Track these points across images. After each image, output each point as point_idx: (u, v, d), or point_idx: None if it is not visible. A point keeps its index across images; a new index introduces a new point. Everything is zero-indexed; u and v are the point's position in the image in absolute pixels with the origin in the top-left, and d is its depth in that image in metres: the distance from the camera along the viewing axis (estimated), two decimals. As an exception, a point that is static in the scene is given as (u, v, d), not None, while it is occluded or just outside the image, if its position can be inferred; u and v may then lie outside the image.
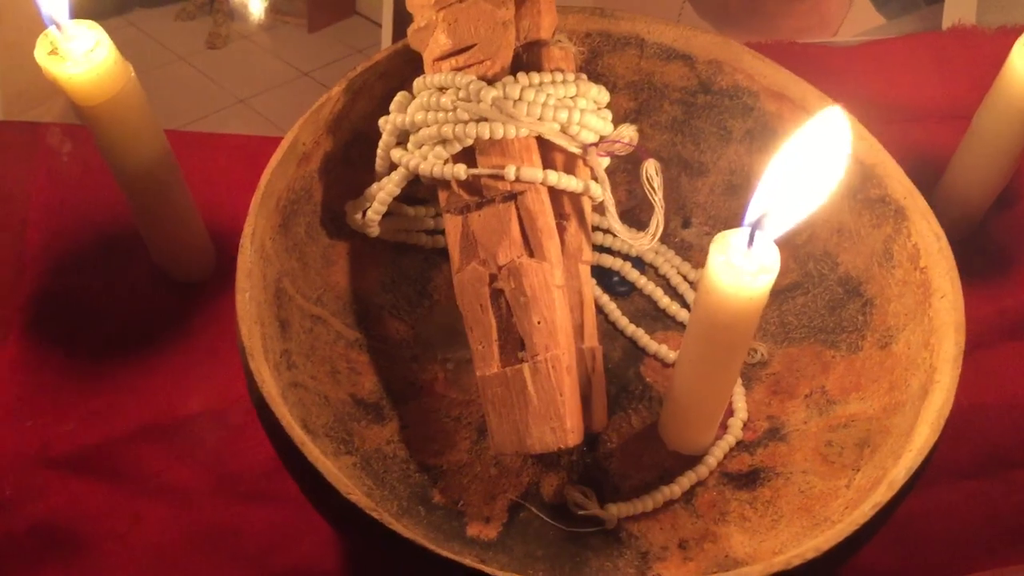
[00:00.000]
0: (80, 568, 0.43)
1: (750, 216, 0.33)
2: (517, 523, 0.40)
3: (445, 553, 0.32)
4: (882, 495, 0.33)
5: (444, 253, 0.45)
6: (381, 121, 0.41)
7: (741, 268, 0.33)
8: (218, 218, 0.52)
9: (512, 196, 0.38)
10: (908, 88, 0.58)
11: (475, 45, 0.39)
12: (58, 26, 0.40)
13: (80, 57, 0.41)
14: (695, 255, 0.48)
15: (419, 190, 0.44)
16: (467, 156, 0.39)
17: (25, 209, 0.53)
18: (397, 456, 0.41)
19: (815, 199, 0.33)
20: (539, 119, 0.38)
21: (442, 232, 0.46)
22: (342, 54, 0.61)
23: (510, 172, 0.38)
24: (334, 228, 0.43)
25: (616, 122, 0.41)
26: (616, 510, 0.40)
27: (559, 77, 0.39)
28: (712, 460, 0.41)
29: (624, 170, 0.47)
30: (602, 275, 0.47)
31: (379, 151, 0.41)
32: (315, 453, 0.34)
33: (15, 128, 0.57)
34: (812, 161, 0.33)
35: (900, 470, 0.34)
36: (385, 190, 0.41)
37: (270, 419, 0.35)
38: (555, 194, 0.40)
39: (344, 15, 0.62)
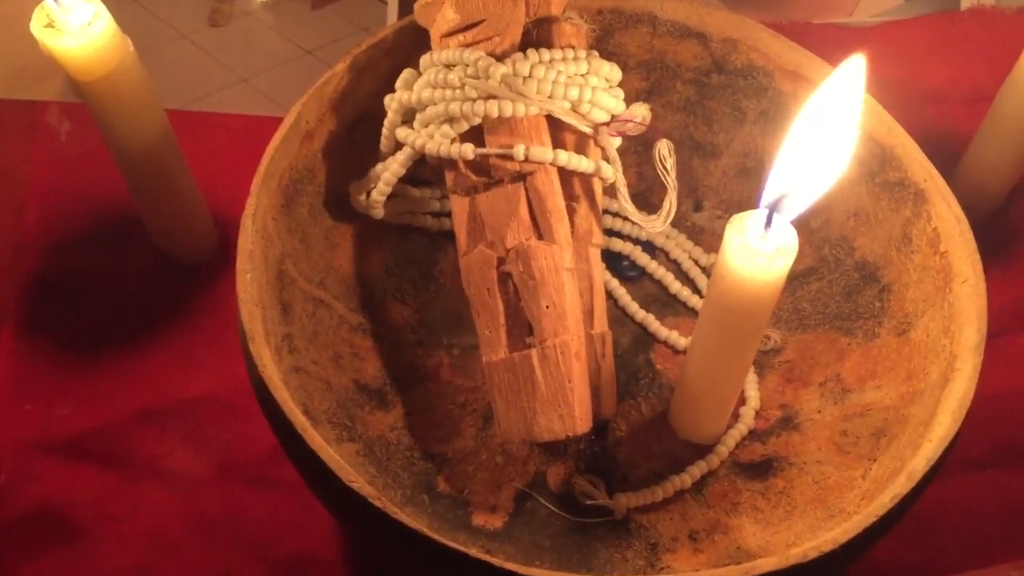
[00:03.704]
0: (78, 553, 0.43)
1: (767, 197, 0.32)
2: (523, 512, 0.39)
3: (450, 543, 0.31)
4: (902, 486, 0.32)
5: (450, 236, 0.44)
6: (387, 99, 0.40)
7: (758, 251, 0.32)
8: (220, 199, 0.51)
9: (521, 176, 0.37)
10: (926, 70, 0.57)
11: (484, 21, 0.38)
12: (55, -2, 0.40)
13: (77, 30, 0.39)
14: (707, 239, 0.46)
15: (424, 171, 0.43)
16: (475, 135, 0.38)
17: (23, 190, 0.52)
18: (401, 443, 0.40)
19: (833, 172, 0.32)
20: (549, 97, 0.37)
21: (448, 214, 0.45)
22: (347, 32, 0.60)
23: (519, 152, 0.37)
24: (337, 209, 0.42)
25: (627, 103, 0.40)
26: (625, 500, 0.39)
27: (570, 54, 0.38)
28: (723, 449, 0.40)
29: (635, 152, 0.46)
30: (611, 259, 0.46)
31: (384, 130, 0.40)
32: (317, 440, 0.33)
33: (13, 107, 0.56)
34: (827, 131, 0.32)
35: (920, 460, 0.33)
36: (390, 170, 0.40)
37: (271, 404, 0.34)
38: (565, 175, 0.38)
39: (349, -8, 0.61)
